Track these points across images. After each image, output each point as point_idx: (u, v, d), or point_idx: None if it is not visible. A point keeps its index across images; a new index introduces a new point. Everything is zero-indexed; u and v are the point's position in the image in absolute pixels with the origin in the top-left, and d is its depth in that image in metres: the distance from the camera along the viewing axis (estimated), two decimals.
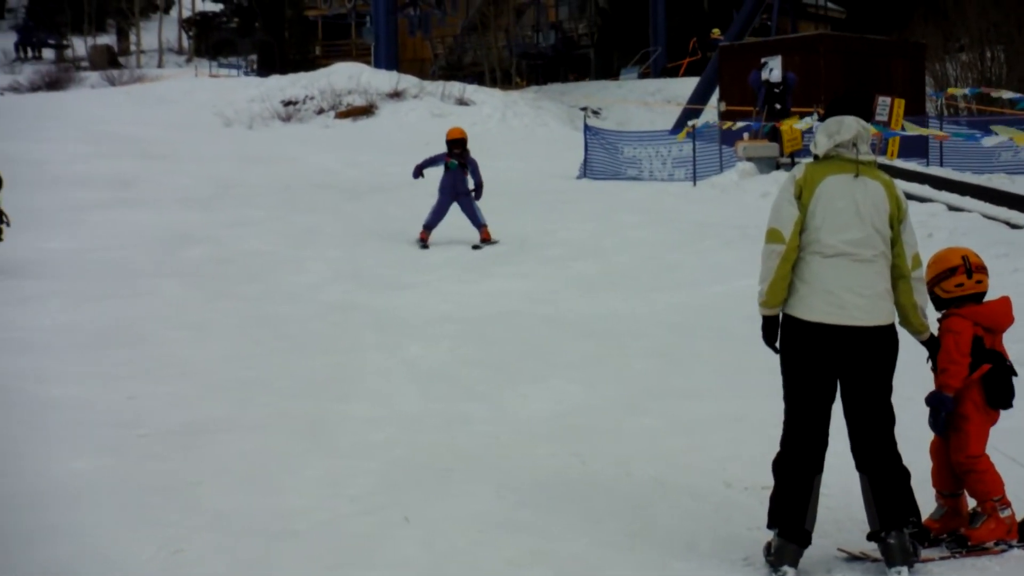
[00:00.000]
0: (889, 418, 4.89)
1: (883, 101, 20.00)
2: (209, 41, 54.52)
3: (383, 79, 31.82)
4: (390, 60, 35.56)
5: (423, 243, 14.26)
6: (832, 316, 4.79)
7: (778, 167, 19.48)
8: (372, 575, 4.90)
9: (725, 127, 20.24)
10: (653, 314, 10.62)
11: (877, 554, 4.91)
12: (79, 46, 53.20)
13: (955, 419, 5.15)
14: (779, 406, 4.98)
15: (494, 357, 9.08)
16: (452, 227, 14.29)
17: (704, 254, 13.50)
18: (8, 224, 11.43)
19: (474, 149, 15.20)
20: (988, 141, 16.65)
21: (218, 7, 58.95)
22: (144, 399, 7.53)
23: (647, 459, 6.51)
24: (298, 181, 19.43)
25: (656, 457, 6.55)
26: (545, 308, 10.91)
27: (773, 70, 20.58)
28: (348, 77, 31.70)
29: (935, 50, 29.48)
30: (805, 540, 4.85)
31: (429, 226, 14.36)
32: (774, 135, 19.74)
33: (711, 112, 26.25)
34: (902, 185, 12.29)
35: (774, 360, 5.02)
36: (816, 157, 5.06)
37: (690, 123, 21.47)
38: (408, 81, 32.11)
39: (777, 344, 4.98)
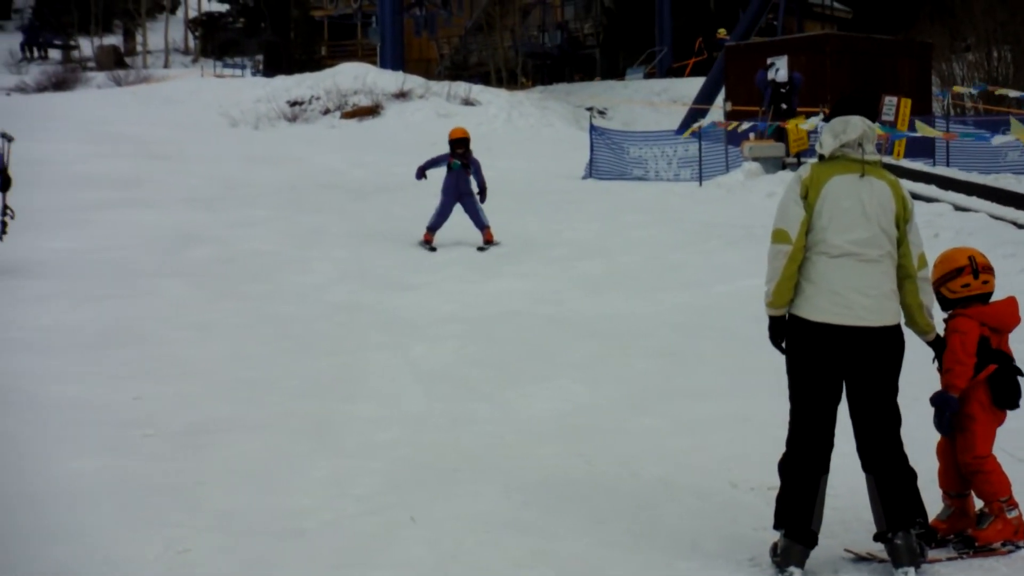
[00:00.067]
0: (895, 418, 4.88)
1: (889, 101, 19.97)
2: (215, 41, 54.55)
3: (389, 79, 31.83)
4: (396, 60, 35.56)
5: (428, 245, 14.15)
6: (838, 316, 4.77)
7: (784, 167, 19.46)
8: (378, 575, 4.90)
9: (730, 128, 20.22)
10: (658, 314, 10.61)
11: (884, 555, 4.90)
12: (85, 46, 53.24)
13: (962, 420, 5.13)
14: (785, 406, 4.97)
15: (499, 357, 9.08)
16: (457, 227, 14.28)
17: (709, 254, 13.48)
18: (12, 217, 11.43)
19: (480, 149, 15.19)
20: (998, 140, 16.61)
21: (224, 7, 58.99)
22: (149, 399, 7.54)
23: (652, 459, 6.50)
24: (304, 181, 19.44)
25: (661, 457, 6.54)
26: (550, 308, 10.90)
27: (779, 70, 20.56)
28: (354, 77, 31.72)
29: (942, 50, 29.44)
30: (811, 541, 4.84)
31: (433, 228, 14.26)
32: (780, 135, 19.72)
33: (717, 112, 26.22)
34: (908, 185, 12.32)
35: (779, 360, 5.01)
36: (822, 157, 5.05)
37: (695, 125, 21.46)
38: (414, 81, 32.12)
39: (783, 345, 4.97)
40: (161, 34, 54.64)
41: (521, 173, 20.84)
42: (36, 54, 51.77)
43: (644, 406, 7.70)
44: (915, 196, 11.84)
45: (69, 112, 27.88)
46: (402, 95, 30.87)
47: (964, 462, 5.13)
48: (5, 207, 11.37)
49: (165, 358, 8.70)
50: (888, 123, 19.25)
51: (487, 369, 8.70)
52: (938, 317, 5.16)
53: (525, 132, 28.98)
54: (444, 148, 14.76)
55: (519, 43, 46.19)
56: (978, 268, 5.24)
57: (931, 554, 4.95)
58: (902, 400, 4.92)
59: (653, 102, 34.91)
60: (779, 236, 4.89)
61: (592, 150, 22.31)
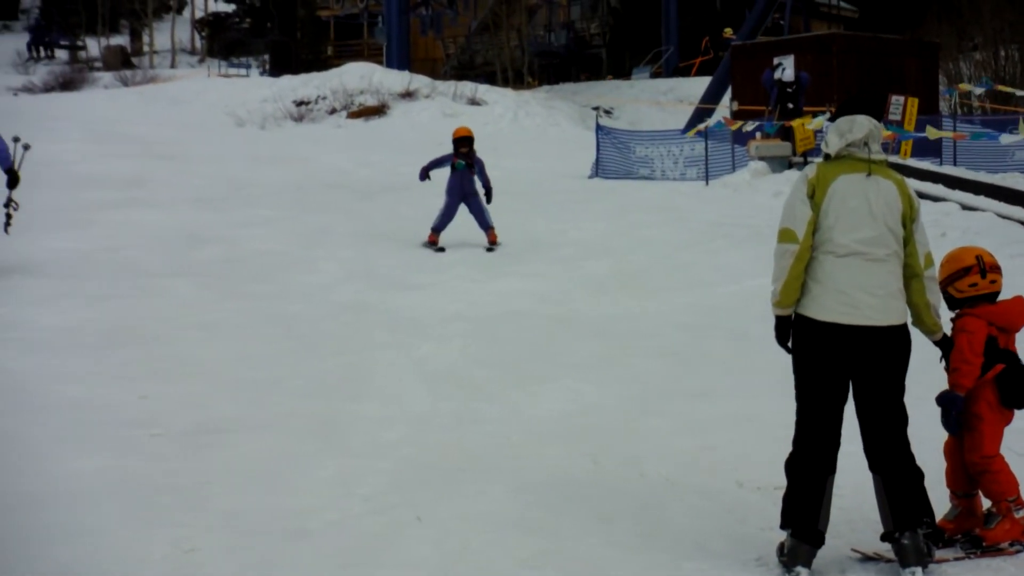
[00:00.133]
0: (902, 418, 4.87)
1: (896, 100, 19.93)
2: (222, 41, 54.63)
3: (395, 79, 31.85)
4: (402, 60, 35.61)
5: (433, 246, 14.03)
6: (845, 316, 4.76)
7: (790, 166, 19.44)
8: (384, 574, 4.90)
9: (734, 128, 20.19)
10: (664, 314, 10.60)
11: (891, 555, 4.89)
12: (92, 47, 53.35)
13: (969, 419, 5.12)
14: (791, 406, 4.96)
15: (505, 357, 9.08)
16: (463, 227, 14.26)
17: (716, 254, 13.47)
18: (16, 208, 11.45)
19: (486, 149, 15.16)
20: (1006, 139, 16.58)
21: (231, 7, 59.08)
22: (154, 399, 7.54)
23: (658, 459, 6.49)
24: (310, 181, 19.44)
25: (667, 457, 6.53)
26: (556, 308, 10.89)
27: (786, 69, 20.54)
28: (360, 77, 31.75)
29: (949, 49, 29.42)
30: (818, 540, 4.83)
31: (437, 229, 14.13)
32: (786, 134, 19.70)
33: (723, 111, 26.19)
34: (915, 184, 12.28)
35: (786, 360, 5.00)
36: (828, 156, 5.04)
37: (700, 125, 21.44)
38: (420, 81, 32.15)
39: (789, 345, 4.96)
40: (168, 34, 54.70)
41: (527, 173, 20.83)
42: (43, 54, 51.85)
43: (650, 406, 7.69)
44: (922, 195, 11.81)
45: (75, 112, 27.93)
46: (408, 95, 30.89)
47: (971, 462, 5.12)
48: (10, 199, 11.40)
49: (170, 358, 8.70)
50: (895, 123, 19.22)
51: (493, 369, 8.70)
52: (945, 316, 5.15)
53: (531, 132, 28.98)
54: (450, 148, 14.66)
55: (527, 42, 46.16)
56: (986, 267, 5.22)
57: (938, 554, 4.94)
58: (909, 400, 4.91)
59: (660, 102, 34.90)
60: (785, 235, 4.88)
61: (598, 149, 22.30)
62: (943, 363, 5.21)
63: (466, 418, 7.39)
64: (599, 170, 22.05)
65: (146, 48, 54.54)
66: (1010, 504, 5.07)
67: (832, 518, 4.91)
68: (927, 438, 5.29)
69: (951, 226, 13.50)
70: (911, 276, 4.92)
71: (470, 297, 11.38)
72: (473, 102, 30.94)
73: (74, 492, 5.70)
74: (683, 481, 6.12)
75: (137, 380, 7.98)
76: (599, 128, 22.97)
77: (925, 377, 5.44)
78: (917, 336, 4.95)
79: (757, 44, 26.68)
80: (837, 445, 4.87)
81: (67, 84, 38.55)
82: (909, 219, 4.91)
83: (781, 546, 4.94)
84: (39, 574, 4.73)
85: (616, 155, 22.30)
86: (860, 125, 4.95)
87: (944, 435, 5.27)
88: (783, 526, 4.91)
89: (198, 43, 58.97)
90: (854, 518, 5.43)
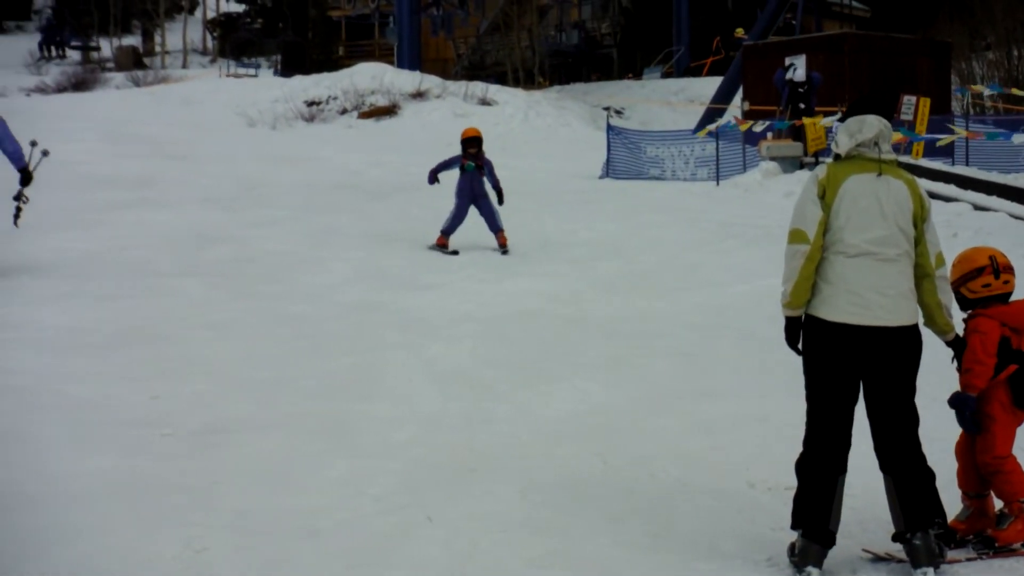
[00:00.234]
0: (913, 419, 4.85)
1: (908, 100, 19.89)
2: (233, 42, 54.74)
3: (406, 79, 31.90)
4: (413, 60, 35.65)
5: (443, 249, 13.89)
6: (857, 316, 4.75)
7: (802, 166, 19.41)
8: (394, 574, 4.90)
9: (744, 128, 20.16)
10: (675, 314, 10.58)
11: (902, 555, 4.88)
12: (104, 47, 53.52)
13: (981, 419, 5.10)
14: (802, 406, 4.95)
15: (516, 357, 9.07)
16: (473, 228, 14.23)
17: (727, 254, 13.44)
18: (27, 202, 11.48)
19: (496, 149, 15.14)
20: (1018, 139, 16.53)
21: (242, 8, 59.22)
22: (166, 399, 7.55)
23: (669, 459, 6.48)
24: (320, 181, 19.46)
25: (678, 457, 6.52)
26: (567, 308, 10.88)
27: (797, 69, 20.51)
28: (371, 77, 31.80)
29: (961, 49, 29.32)
30: (829, 541, 4.82)
31: (447, 232, 13.99)
32: (798, 134, 19.66)
33: (735, 111, 26.16)
34: (927, 184, 12.25)
35: (797, 360, 4.99)
36: (838, 157, 5.02)
37: (711, 125, 21.42)
38: (431, 81, 32.18)
39: (800, 346, 4.94)
40: (179, 35, 54.87)
41: (538, 173, 20.84)
42: (54, 53, 52.01)
43: (661, 406, 7.68)
44: (934, 196, 11.76)
45: (87, 112, 28.01)
46: (419, 95, 30.92)
47: (984, 462, 5.10)
48: (20, 193, 11.44)
49: (180, 358, 8.71)
50: (907, 123, 19.17)
51: (503, 369, 8.69)
52: (957, 317, 5.13)
53: (542, 132, 28.99)
54: (459, 148, 14.56)
55: (538, 42, 46.16)
56: (999, 268, 5.20)
57: (950, 555, 4.93)
58: (920, 400, 4.89)
59: (670, 102, 34.88)
60: (796, 236, 4.87)
61: (609, 150, 22.31)
62: (955, 363, 5.19)
63: (476, 418, 7.38)
64: (610, 170, 22.06)
65: (158, 48, 54.71)
66: (1022, 504, 5.04)
67: (843, 518, 4.90)
68: (939, 438, 5.27)
69: (963, 226, 13.46)
70: (922, 276, 4.90)
71: (480, 297, 11.37)
72: (484, 102, 30.95)
73: (83, 492, 5.71)
74: (693, 481, 6.10)
75: (146, 380, 7.98)
76: (610, 128, 22.98)
77: (936, 378, 5.42)
78: (928, 336, 4.94)
79: (769, 44, 26.64)
80: (848, 445, 4.86)
81: (79, 84, 38.69)
82: (920, 219, 4.90)
83: (792, 546, 4.92)
84: (48, 573, 4.74)
85: (627, 155, 22.30)
86: (870, 125, 4.93)
87: (955, 435, 5.26)
88: (794, 526, 4.90)
89: (210, 43, 59.12)
90: (865, 518, 5.41)
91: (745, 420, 7.26)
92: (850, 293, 4.77)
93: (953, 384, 5.16)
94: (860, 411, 4.88)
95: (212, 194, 17.29)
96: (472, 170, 14.12)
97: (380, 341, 9.52)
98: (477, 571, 4.92)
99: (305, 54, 42.79)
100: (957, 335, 5.12)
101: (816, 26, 38.66)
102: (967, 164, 19.46)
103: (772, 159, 19.52)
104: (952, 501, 5.12)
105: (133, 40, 55.76)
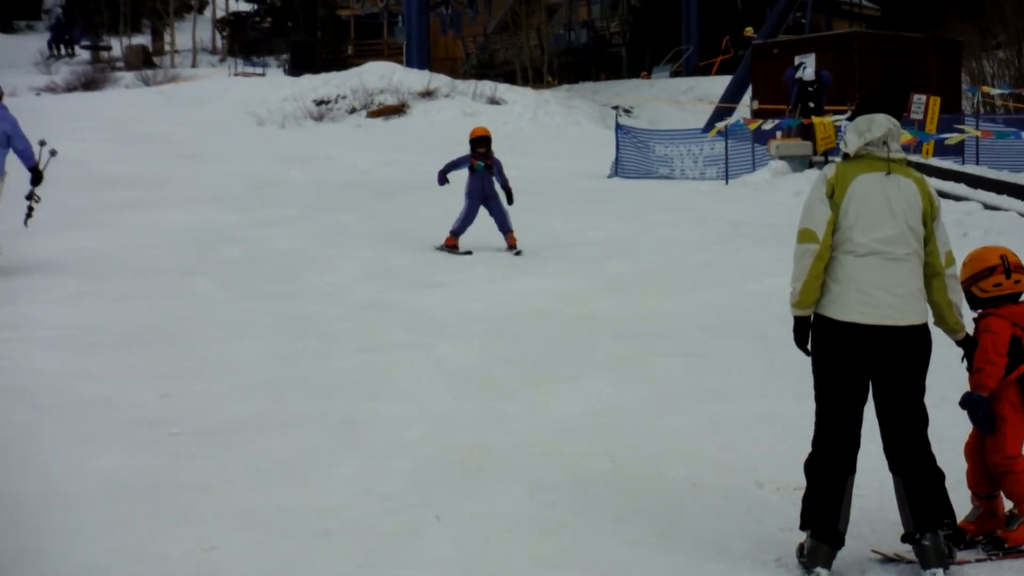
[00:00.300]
0: (923, 419, 4.84)
1: (918, 99, 19.85)
2: (243, 41, 54.79)
3: (415, 78, 31.88)
4: (422, 59, 35.62)
5: (454, 250, 13.82)
6: (866, 316, 4.74)
7: (811, 165, 19.38)
8: (403, 573, 4.91)
9: (753, 126, 20.12)
10: (684, 314, 10.57)
11: (912, 556, 4.87)
12: (114, 46, 53.60)
13: (993, 419, 5.09)
14: (811, 406, 4.95)
15: (525, 356, 9.07)
16: (482, 228, 14.23)
17: (736, 253, 13.42)
18: (38, 201, 11.53)
19: (505, 148, 15.14)
20: None
21: (251, 7, 59.26)
22: (176, 397, 7.57)
23: (678, 459, 6.48)
24: (330, 180, 19.48)
25: (687, 457, 6.52)
26: (576, 307, 10.88)
27: (807, 68, 20.48)
28: (380, 76, 31.79)
29: (971, 47, 29.24)
30: (838, 541, 4.82)
31: (456, 232, 13.92)
32: (807, 133, 19.63)
33: (744, 110, 26.12)
34: (937, 183, 12.21)
35: (806, 360, 4.98)
36: (847, 156, 5.01)
37: (718, 125, 21.38)
38: (440, 80, 32.16)
39: (808, 346, 4.93)
40: (189, 34, 54.94)
41: (547, 172, 20.83)
42: (64, 52, 52.10)
43: (670, 406, 7.67)
44: (944, 195, 11.72)
45: (97, 112, 28.06)
46: (428, 94, 30.91)
47: (994, 463, 5.09)
48: (32, 192, 11.49)
49: (190, 357, 8.73)
50: (917, 122, 19.13)
51: (512, 368, 8.69)
52: (967, 316, 5.12)
53: (551, 131, 28.96)
54: (468, 148, 14.51)
55: (547, 41, 46.13)
56: (1010, 267, 5.19)
57: (960, 555, 4.92)
58: (929, 400, 4.88)
59: (679, 100, 34.83)
60: (805, 235, 4.86)
61: (618, 149, 22.28)
62: (965, 363, 5.18)
63: (485, 417, 7.39)
64: (619, 169, 22.03)
65: (167, 48, 54.76)
66: None
67: (852, 519, 4.89)
68: (948, 438, 5.26)
69: (973, 225, 13.43)
70: (932, 275, 4.89)
71: (489, 297, 11.38)
72: (493, 101, 30.93)
73: (94, 490, 5.73)
74: (702, 481, 6.10)
75: (157, 379, 8.01)
76: (619, 127, 22.95)
77: (946, 378, 5.41)
78: (938, 336, 4.93)
79: (778, 43, 26.57)
80: (857, 445, 4.85)
81: (89, 84, 38.73)
82: (930, 217, 4.89)
83: (801, 547, 4.92)
84: (59, 572, 4.76)
85: (636, 154, 22.27)
86: (879, 124, 4.93)
87: (965, 435, 5.25)
88: (803, 527, 4.90)
89: (219, 43, 59.18)
90: (874, 519, 5.40)
91: (754, 420, 7.25)
92: (859, 292, 4.77)
93: (962, 384, 5.15)
94: (869, 411, 4.87)
95: (221, 193, 17.32)
96: (482, 170, 14.05)
97: (390, 340, 9.53)
98: (486, 570, 4.93)
99: (314, 53, 42.77)
100: (967, 334, 5.11)
101: (826, 25, 38.55)
102: (977, 163, 19.41)
103: (781, 158, 19.49)
104: (962, 502, 5.11)
105: (143, 39, 55.81)
